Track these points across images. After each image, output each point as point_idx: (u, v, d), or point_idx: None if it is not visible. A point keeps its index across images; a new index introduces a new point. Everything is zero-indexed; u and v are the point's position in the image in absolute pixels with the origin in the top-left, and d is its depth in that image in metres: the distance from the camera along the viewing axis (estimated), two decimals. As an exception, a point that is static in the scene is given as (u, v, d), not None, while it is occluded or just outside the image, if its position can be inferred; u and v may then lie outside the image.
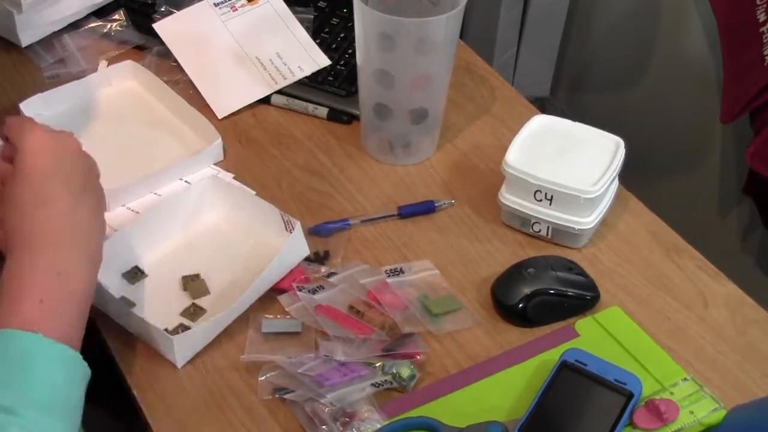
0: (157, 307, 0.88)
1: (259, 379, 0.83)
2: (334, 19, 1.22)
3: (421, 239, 0.98)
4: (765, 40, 1.29)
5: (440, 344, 0.87)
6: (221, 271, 0.92)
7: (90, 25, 1.20)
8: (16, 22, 1.14)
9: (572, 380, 0.81)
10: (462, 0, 0.96)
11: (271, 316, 0.88)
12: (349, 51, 1.17)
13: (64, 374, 0.70)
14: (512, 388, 0.83)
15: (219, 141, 1.04)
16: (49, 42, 1.18)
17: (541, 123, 0.99)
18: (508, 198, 0.96)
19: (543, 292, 0.89)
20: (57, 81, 1.13)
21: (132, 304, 0.88)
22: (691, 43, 1.61)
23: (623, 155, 0.96)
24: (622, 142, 0.97)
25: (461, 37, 1.04)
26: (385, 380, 0.82)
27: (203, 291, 0.90)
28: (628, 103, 1.82)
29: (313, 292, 0.89)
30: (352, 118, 1.11)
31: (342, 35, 1.20)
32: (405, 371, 0.82)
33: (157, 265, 0.92)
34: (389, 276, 0.91)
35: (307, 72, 1.14)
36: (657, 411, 0.79)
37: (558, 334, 0.88)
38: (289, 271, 0.91)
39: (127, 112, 1.10)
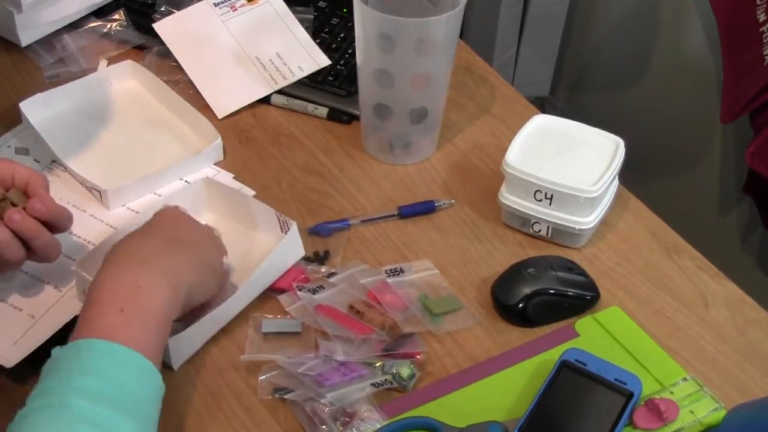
0: None
1: (259, 379, 0.83)
2: (334, 19, 1.22)
3: (421, 239, 0.98)
4: (765, 40, 1.29)
5: (440, 344, 0.87)
6: None
7: (90, 25, 1.20)
8: (16, 21, 1.14)
9: (572, 380, 0.81)
10: (462, 0, 0.96)
11: (271, 316, 0.88)
12: (349, 51, 1.17)
13: (138, 380, 0.72)
14: (512, 388, 0.83)
15: (219, 141, 1.04)
16: (49, 42, 1.18)
17: (541, 123, 0.99)
18: (508, 198, 0.96)
19: (543, 292, 0.89)
20: (57, 81, 1.13)
21: None
22: (691, 43, 1.61)
23: (623, 155, 0.96)
24: (622, 142, 0.97)
25: (461, 37, 1.04)
26: (385, 380, 0.82)
27: None
28: (628, 103, 1.82)
29: (313, 292, 0.89)
30: (352, 118, 1.11)
31: (342, 35, 1.20)
32: (405, 371, 0.82)
33: None
34: (389, 276, 0.91)
35: (307, 72, 1.14)
36: (657, 410, 0.79)
37: (558, 334, 0.88)
38: (284, 272, 0.91)
39: (127, 112, 1.10)
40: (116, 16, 1.21)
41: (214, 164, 1.05)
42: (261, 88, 1.13)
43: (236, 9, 1.18)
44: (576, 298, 0.90)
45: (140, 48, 1.19)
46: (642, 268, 0.95)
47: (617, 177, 0.98)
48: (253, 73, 1.14)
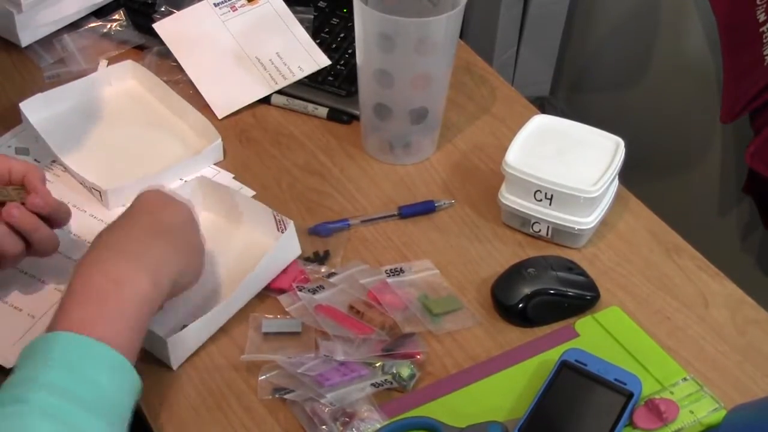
0: None
1: (259, 379, 0.83)
2: (334, 19, 1.22)
3: (421, 239, 0.98)
4: (765, 40, 1.29)
5: (440, 344, 0.87)
6: (213, 272, 0.91)
7: (90, 25, 1.20)
8: (15, 22, 1.14)
9: (572, 380, 0.81)
10: (462, 0, 0.96)
11: (271, 316, 0.88)
12: (349, 51, 1.17)
13: (110, 378, 0.71)
14: (512, 388, 0.83)
15: (219, 141, 1.04)
16: (49, 42, 1.18)
17: (541, 123, 0.99)
18: (508, 198, 0.96)
19: (543, 292, 0.89)
20: (57, 81, 1.13)
21: None
22: (691, 43, 1.61)
23: (623, 155, 0.96)
24: (622, 142, 0.97)
25: (461, 37, 1.04)
26: (385, 380, 0.82)
27: None
28: (628, 103, 1.82)
29: (313, 292, 0.89)
30: (352, 118, 1.11)
31: (342, 35, 1.20)
32: (405, 371, 0.82)
33: None
34: (389, 276, 0.91)
35: (307, 72, 1.14)
36: (657, 411, 0.79)
37: (558, 334, 0.88)
38: (281, 271, 0.91)
39: (127, 112, 1.10)
40: (116, 16, 1.21)
41: (214, 164, 1.05)
42: (261, 88, 1.13)
43: (236, 9, 1.18)
44: (576, 298, 0.90)
45: (140, 48, 1.19)
46: (642, 268, 0.95)
47: (617, 177, 0.98)
48: (253, 73, 1.14)
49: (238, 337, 0.87)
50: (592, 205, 0.94)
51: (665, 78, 1.71)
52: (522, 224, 0.97)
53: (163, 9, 1.18)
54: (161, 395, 0.82)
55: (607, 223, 0.98)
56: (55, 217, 0.87)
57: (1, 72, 1.16)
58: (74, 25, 1.20)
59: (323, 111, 1.11)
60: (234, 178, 1.03)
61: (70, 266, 0.87)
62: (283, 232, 0.91)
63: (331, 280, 0.90)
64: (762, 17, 1.29)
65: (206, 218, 0.96)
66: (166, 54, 1.16)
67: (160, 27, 1.16)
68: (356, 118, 1.10)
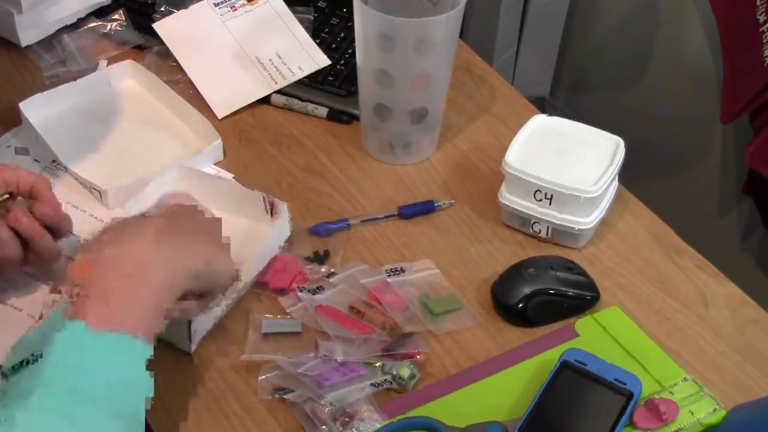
0: None
1: (259, 379, 0.83)
2: (334, 19, 1.22)
3: (421, 239, 0.98)
4: (765, 40, 1.29)
5: (440, 344, 0.87)
6: None
7: (90, 25, 1.20)
8: (15, 22, 1.14)
9: (572, 380, 0.81)
10: (462, 0, 0.96)
11: (271, 316, 0.88)
12: (349, 51, 1.17)
13: (123, 366, 0.69)
14: (512, 388, 0.83)
15: (219, 141, 1.04)
16: (49, 42, 1.18)
17: (541, 123, 0.99)
18: (508, 198, 0.96)
19: (543, 292, 0.89)
20: (57, 81, 1.13)
21: None
22: (691, 43, 1.61)
23: (623, 155, 0.96)
24: (622, 142, 0.97)
25: (461, 37, 1.04)
26: (385, 380, 0.82)
27: None
28: (628, 103, 1.82)
29: (314, 292, 0.89)
30: (352, 118, 1.11)
31: (342, 35, 1.20)
32: (405, 371, 0.82)
33: None
34: (390, 275, 0.91)
35: (307, 72, 1.14)
36: (657, 411, 0.79)
37: (558, 334, 0.88)
38: (274, 255, 0.91)
39: (127, 112, 1.10)
40: (116, 16, 1.21)
41: (214, 164, 1.05)
42: (261, 88, 1.13)
43: (236, 9, 1.18)
44: (576, 298, 0.90)
45: (140, 48, 1.19)
46: (642, 268, 0.95)
47: (617, 177, 0.98)
48: (253, 73, 1.14)
49: (238, 337, 0.87)
50: (592, 205, 0.94)
51: (665, 78, 1.72)
52: (522, 224, 0.97)
53: (163, 9, 1.18)
54: (161, 395, 0.82)
55: (607, 223, 0.98)
56: (59, 228, 0.87)
57: (1, 72, 1.16)
58: (74, 25, 1.20)
59: (323, 111, 1.11)
60: (234, 178, 1.03)
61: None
62: (272, 214, 0.90)
63: (332, 280, 0.90)
64: (762, 17, 1.29)
65: None
66: (166, 54, 1.16)
67: (160, 27, 1.16)
68: (356, 118, 1.10)
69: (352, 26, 1.19)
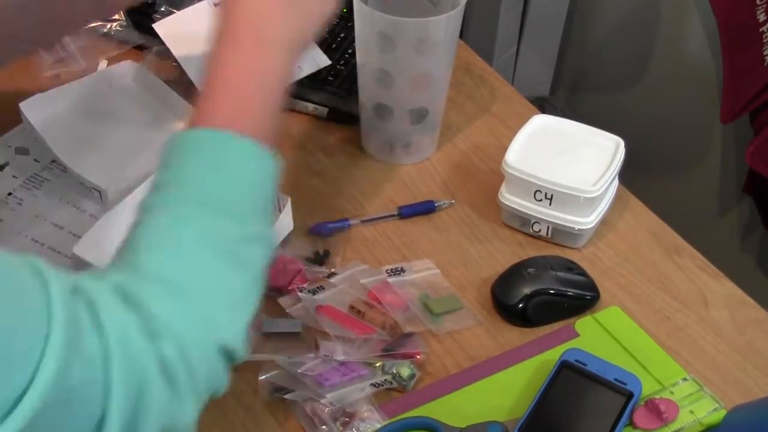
0: None
1: (259, 379, 0.82)
2: (334, 19, 1.22)
3: (421, 239, 0.98)
4: (765, 40, 1.29)
5: (440, 344, 0.87)
6: None
7: (90, 25, 1.20)
8: (16, 22, 1.14)
9: (572, 380, 0.81)
10: (462, 0, 0.96)
11: (271, 317, 0.88)
12: (349, 51, 1.17)
13: (256, 169, 0.70)
14: (512, 388, 0.83)
15: None
16: (49, 42, 1.18)
17: (541, 123, 0.99)
18: (508, 198, 0.96)
19: (543, 292, 0.89)
20: (57, 81, 1.13)
21: None
22: (691, 43, 1.61)
23: (623, 155, 0.96)
24: (622, 142, 0.97)
25: (461, 37, 1.04)
26: (385, 380, 0.82)
27: None
28: (628, 103, 1.82)
29: (314, 292, 0.89)
30: (352, 118, 1.11)
31: (342, 35, 1.20)
32: (405, 371, 0.82)
33: None
34: (390, 275, 0.91)
35: (307, 72, 1.14)
36: (657, 411, 0.79)
37: (558, 334, 0.88)
38: (276, 258, 0.91)
39: (127, 112, 1.10)
40: (116, 16, 1.21)
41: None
42: (261, 88, 1.13)
43: (236, 9, 1.18)
44: (576, 298, 0.90)
45: (140, 48, 1.19)
46: (642, 268, 0.95)
47: (617, 177, 0.98)
48: (253, 73, 1.14)
49: (238, 337, 0.87)
50: (592, 205, 0.94)
51: (665, 78, 1.72)
52: (522, 224, 0.97)
53: (163, 9, 1.18)
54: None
55: (607, 223, 0.98)
56: None
57: (1, 72, 1.16)
58: (74, 25, 1.20)
59: (323, 111, 1.11)
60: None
61: (69, 266, 0.87)
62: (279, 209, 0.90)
63: (332, 280, 0.90)
64: (762, 17, 1.29)
65: None
66: (166, 54, 1.15)
67: (160, 27, 1.16)
68: (356, 118, 1.10)
69: (352, 26, 1.19)
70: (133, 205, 0.88)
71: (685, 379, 0.83)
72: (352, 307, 0.88)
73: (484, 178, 1.04)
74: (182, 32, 1.17)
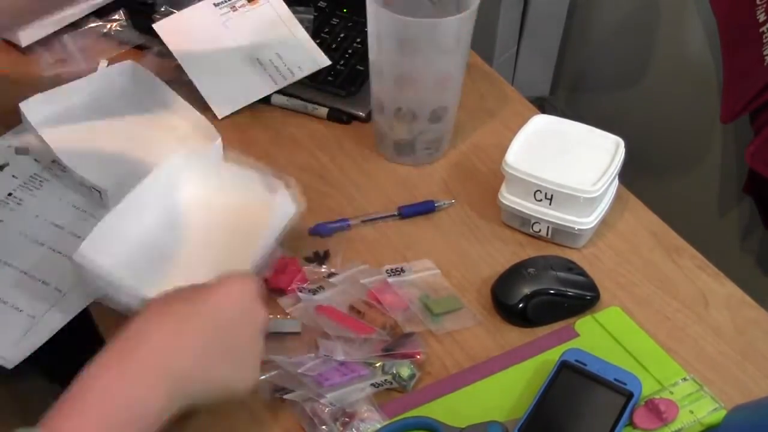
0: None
1: (259, 379, 0.82)
2: (334, 19, 1.22)
3: (421, 239, 0.98)
4: (765, 40, 1.29)
5: (440, 344, 0.87)
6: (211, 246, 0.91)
7: (90, 25, 1.20)
8: (15, 22, 1.14)
9: (572, 380, 0.81)
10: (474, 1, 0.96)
11: (271, 316, 0.88)
12: (349, 51, 1.17)
13: None
14: (512, 388, 0.83)
15: (219, 141, 1.04)
16: (49, 42, 1.18)
17: (541, 123, 0.99)
18: (508, 198, 0.96)
19: (543, 292, 0.89)
20: (57, 81, 1.13)
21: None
22: (691, 43, 1.61)
23: (623, 155, 0.96)
24: (622, 142, 0.97)
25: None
26: (385, 380, 0.82)
27: None
28: (628, 103, 1.82)
29: (314, 292, 0.89)
30: (352, 118, 1.11)
31: (342, 35, 1.20)
32: (405, 371, 0.82)
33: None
34: (390, 276, 0.91)
35: (307, 72, 1.14)
36: (657, 410, 0.79)
37: (558, 334, 0.88)
38: (276, 259, 0.91)
39: (127, 112, 1.10)
40: (116, 16, 1.21)
41: (214, 164, 1.05)
42: (261, 88, 1.13)
43: (236, 9, 1.18)
44: (576, 298, 0.90)
45: (140, 48, 1.19)
46: (642, 268, 0.95)
47: (617, 177, 0.98)
48: (253, 73, 1.14)
49: (238, 337, 0.87)
50: (592, 205, 0.94)
51: (665, 78, 1.72)
52: (522, 224, 0.97)
53: (163, 9, 1.18)
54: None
55: (607, 223, 0.98)
56: None
57: (1, 72, 1.16)
58: (74, 25, 1.20)
59: (323, 111, 1.11)
60: (234, 178, 1.03)
61: (69, 266, 0.87)
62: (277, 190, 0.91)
63: (332, 280, 0.90)
64: (762, 17, 1.29)
65: (194, 195, 0.95)
66: (166, 54, 1.16)
67: (160, 27, 1.16)
68: (356, 118, 1.10)
69: (353, 26, 1.20)
70: (133, 204, 0.89)
71: (684, 379, 0.83)
72: (352, 307, 0.88)
73: (484, 178, 1.04)
74: (182, 32, 1.17)
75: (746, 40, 1.32)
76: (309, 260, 0.94)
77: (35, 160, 1.04)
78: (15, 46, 1.18)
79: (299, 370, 0.81)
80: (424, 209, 1.00)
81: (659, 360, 0.85)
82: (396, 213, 1.00)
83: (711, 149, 1.64)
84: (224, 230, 0.92)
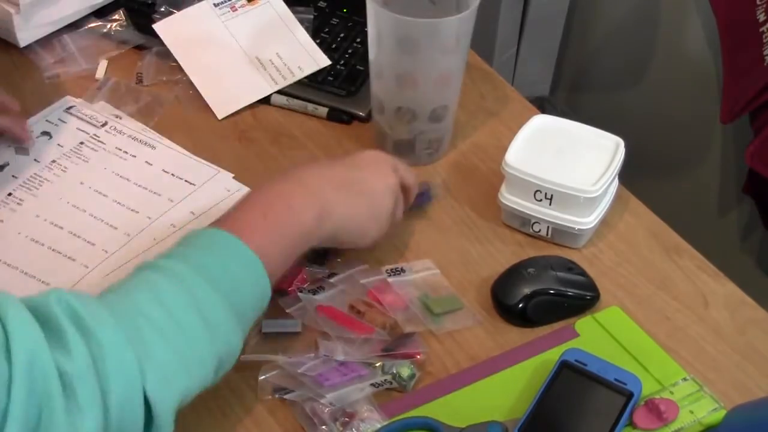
0: None
1: (259, 379, 0.82)
2: (334, 19, 1.22)
3: (421, 239, 0.97)
4: (765, 40, 1.29)
5: (440, 344, 0.87)
6: None
7: (90, 25, 1.20)
8: (14, 22, 1.14)
9: (572, 380, 0.81)
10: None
11: (272, 317, 0.88)
12: (349, 51, 1.17)
13: (247, 277, 0.75)
14: (512, 388, 0.83)
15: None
16: (48, 42, 1.17)
17: (541, 123, 0.99)
18: (508, 198, 0.96)
19: (543, 292, 0.89)
20: (57, 81, 1.13)
21: None
22: (691, 43, 1.61)
23: (623, 155, 0.96)
24: (622, 142, 0.97)
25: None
26: (385, 380, 0.82)
27: None
28: (628, 103, 1.82)
29: (314, 292, 0.89)
30: (352, 118, 1.11)
31: (342, 35, 1.20)
32: (405, 371, 0.82)
33: None
34: (390, 275, 0.91)
35: (307, 72, 1.14)
36: (657, 411, 0.79)
37: (558, 334, 0.88)
38: None
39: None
40: (116, 16, 1.20)
41: (214, 164, 1.05)
42: (261, 88, 1.13)
43: (236, 9, 1.18)
44: (576, 298, 0.90)
45: (140, 48, 1.19)
46: (642, 268, 0.95)
47: (617, 177, 0.98)
48: (253, 73, 1.14)
49: (238, 337, 0.87)
50: (592, 205, 0.94)
51: (665, 78, 1.72)
52: (522, 224, 0.97)
53: (163, 9, 1.18)
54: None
55: (607, 223, 0.98)
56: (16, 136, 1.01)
57: (1, 72, 1.16)
58: (74, 25, 1.20)
59: (323, 111, 1.11)
60: (234, 177, 1.03)
61: (69, 266, 0.87)
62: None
63: (332, 280, 0.90)
64: (762, 17, 1.29)
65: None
66: (166, 54, 1.16)
67: (160, 27, 1.16)
68: (356, 118, 1.10)
69: (352, 26, 1.20)
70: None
71: (685, 379, 0.83)
72: (352, 307, 0.88)
73: (484, 178, 1.04)
74: (182, 32, 1.17)
75: (746, 40, 1.32)
76: (309, 260, 0.93)
77: (35, 160, 1.03)
78: (14, 47, 1.17)
79: (299, 370, 0.81)
80: (420, 202, 0.99)
81: (659, 360, 0.85)
82: (396, 213, 1.00)
83: (711, 149, 1.64)
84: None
